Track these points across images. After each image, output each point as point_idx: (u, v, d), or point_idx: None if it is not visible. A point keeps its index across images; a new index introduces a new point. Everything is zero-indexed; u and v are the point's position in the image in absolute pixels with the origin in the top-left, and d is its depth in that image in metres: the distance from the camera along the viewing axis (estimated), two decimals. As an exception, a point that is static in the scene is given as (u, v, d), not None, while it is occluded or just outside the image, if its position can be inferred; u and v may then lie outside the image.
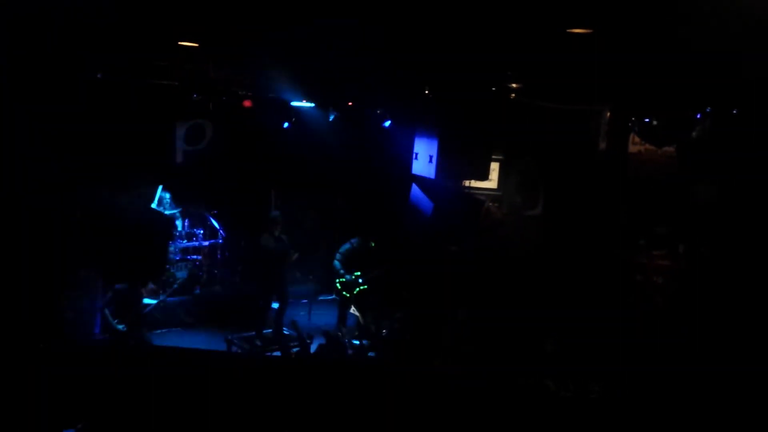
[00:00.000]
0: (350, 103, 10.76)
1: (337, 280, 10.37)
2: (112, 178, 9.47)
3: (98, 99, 9.16)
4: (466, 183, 11.60)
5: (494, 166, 11.59)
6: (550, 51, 7.57)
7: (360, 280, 10.31)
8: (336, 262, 10.37)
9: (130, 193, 10.19)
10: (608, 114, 9.95)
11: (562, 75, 8.31)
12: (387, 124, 11.19)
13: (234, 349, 9.86)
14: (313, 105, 10.80)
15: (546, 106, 9.57)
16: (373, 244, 10.51)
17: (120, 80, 9.19)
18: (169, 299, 10.95)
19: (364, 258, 10.38)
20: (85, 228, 9.07)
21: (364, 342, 9.50)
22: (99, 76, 8.90)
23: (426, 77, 9.83)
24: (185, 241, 11.72)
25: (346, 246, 10.47)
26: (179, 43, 8.62)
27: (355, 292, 10.30)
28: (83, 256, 9.03)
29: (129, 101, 9.59)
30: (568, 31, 6.72)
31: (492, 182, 11.75)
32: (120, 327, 8.75)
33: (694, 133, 7.95)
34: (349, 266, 10.32)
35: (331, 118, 10.91)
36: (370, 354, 9.16)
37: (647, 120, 8.16)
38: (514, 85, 9.63)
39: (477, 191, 11.69)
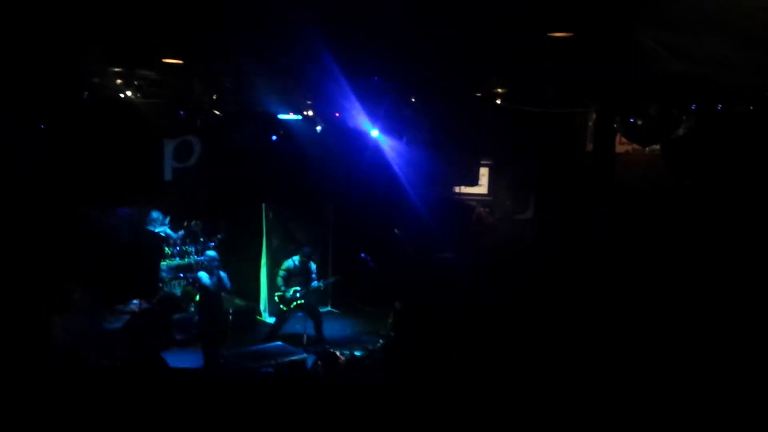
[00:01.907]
0: (337, 114, 10.77)
1: (276, 294, 10.96)
2: (101, 197, 9.45)
3: (85, 117, 9.17)
4: (456, 189, 11.64)
5: (483, 171, 11.64)
6: (532, 55, 7.62)
7: (297, 295, 10.82)
8: (278, 278, 10.97)
9: (120, 212, 10.18)
10: (594, 115, 9.99)
11: (545, 78, 8.36)
12: (374, 133, 11.20)
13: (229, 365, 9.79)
14: (300, 117, 10.82)
15: (532, 110, 9.61)
16: (313, 265, 11.12)
17: (106, 98, 9.19)
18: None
19: (304, 275, 10.96)
20: (74, 248, 9.04)
21: (356, 353, 9.48)
22: (85, 95, 8.89)
23: (411, 85, 9.87)
24: (177, 258, 11.69)
25: (288, 264, 10.99)
26: (164, 60, 8.64)
27: (291, 306, 10.83)
28: (74, 276, 8.99)
29: (116, 119, 9.60)
30: (549, 35, 6.79)
31: (482, 187, 11.79)
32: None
33: (680, 131, 7.98)
34: (288, 282, 10.85)
35: (319, 129, 10.93)
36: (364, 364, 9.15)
37: (632, 120, 8.20)
38: (499, 90, 9.68)
39: (467, 197, 11.72)
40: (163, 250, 11.37)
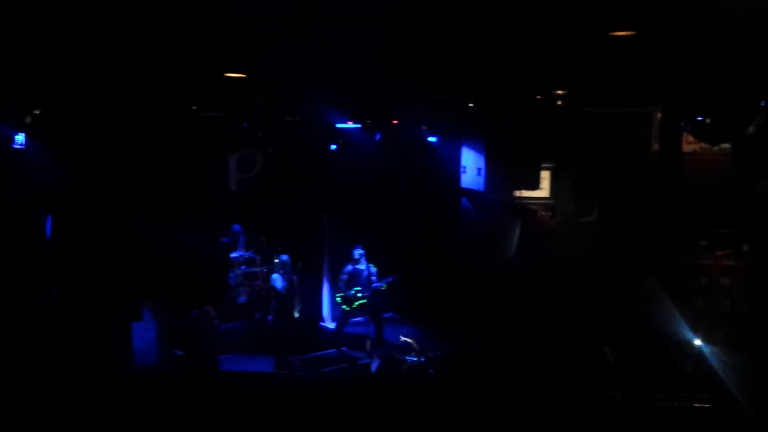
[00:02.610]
0: (395, 121, 10.81)
1: (338, 295, 11.36)
2: (170, 210, 9.75)
3: (151, 135, 9.49)
4: (517, 193, 11.50)
5: (545, 175, 11.45)
6: (594, 55, 7.48)
7: (359, 295, 11.14)
8: (340, 282, 11.35)
9: (188, 224, 10.48)
10: (659, 115, 9.72)
11: (607, 78, 8.17)
12: (433, 139, 11.19)
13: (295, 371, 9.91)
14: (359, 125, 10.91)
15: (594, 110, 9.41)
16: (374, 268, 11.33)
17: (171, 115, 9.48)
18: (229, 324, 11.14)
19: (364, 277, 11.29)
20: (143, 260, 9.35)
21: (421, 359, 9.47)
22: (151, 112, 9.19)
23: (469, 90, 9.81)
24: (245, 266, 11.91)
25: (348, 267, 11.35)
26: (225, 74, 8.84)
27: (354, 306, 11.16)
28: (143, 287, 9.30)
29: (181, 135, 9.92)
30: (610, 34, 6.64)
31: (543, 191, 11.60)
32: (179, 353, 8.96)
33: (749, 129, 7.69)
34: (349, 284, 11.22)
35: (378, 137, 11.00)
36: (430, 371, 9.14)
37: (700, 119, 7.94)
38: (559, 92, 9.51)
39: (528, 201, 11.56)
40: (230, 259, 11.64)
